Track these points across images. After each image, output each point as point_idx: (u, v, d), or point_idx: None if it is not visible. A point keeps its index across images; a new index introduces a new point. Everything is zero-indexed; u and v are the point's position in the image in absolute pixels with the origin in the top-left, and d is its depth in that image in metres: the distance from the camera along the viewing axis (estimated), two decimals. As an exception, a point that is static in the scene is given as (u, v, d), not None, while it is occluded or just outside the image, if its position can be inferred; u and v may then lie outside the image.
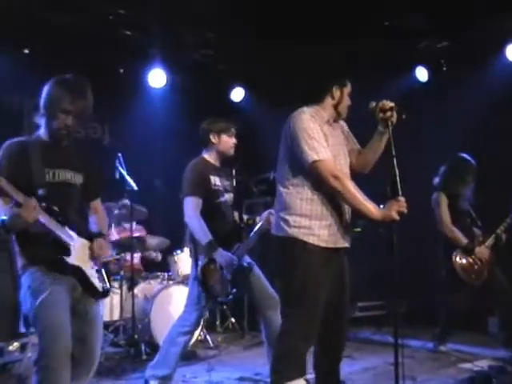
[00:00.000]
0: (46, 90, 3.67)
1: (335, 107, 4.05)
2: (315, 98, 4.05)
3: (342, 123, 4.25)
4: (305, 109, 3.98)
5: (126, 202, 6.72)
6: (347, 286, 4.13)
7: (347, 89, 4.07)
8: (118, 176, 6.45)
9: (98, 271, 3.82)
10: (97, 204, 4.07)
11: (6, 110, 7.50)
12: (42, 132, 3.76)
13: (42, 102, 3.68)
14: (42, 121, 3.73)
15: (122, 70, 8.26)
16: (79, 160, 3.85)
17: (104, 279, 3.85)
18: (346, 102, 4.07)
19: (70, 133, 3.69)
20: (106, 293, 3.86)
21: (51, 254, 3.58)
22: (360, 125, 4.18)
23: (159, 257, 7.50)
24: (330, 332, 4.04)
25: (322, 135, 3.88)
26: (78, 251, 3.69)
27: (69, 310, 3.55)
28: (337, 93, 4.04)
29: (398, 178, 3.71)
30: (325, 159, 3.81)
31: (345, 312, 4.15)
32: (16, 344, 5.82)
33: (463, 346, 6.51)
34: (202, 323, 5.49)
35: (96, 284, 3.76)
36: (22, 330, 5.53)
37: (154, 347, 6.32)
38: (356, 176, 4.18)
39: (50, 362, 3.37)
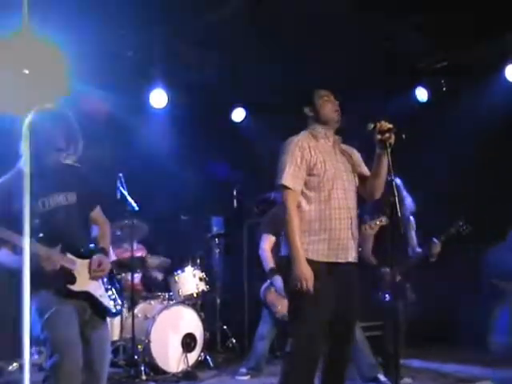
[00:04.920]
0: (36, 123, 3.63)
1: (318, 120, 4.15)
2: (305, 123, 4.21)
3: (351, 148, 4.31)
4: (292, 138, 4.12)
5: (127, 222, 6.72)
6: (354, 301, 4.11)
7: (320, 99, 4.16)
8: (119, 196, 6.46)
9: (108, 289, 3.82)
10: (96, 214, 4.02)
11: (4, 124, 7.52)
12: (23, 163, 3.68)
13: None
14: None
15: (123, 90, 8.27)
16: (68, 178, 3.82)
17: (115, 297, 3.85)
18: (325, 109, 4.14)
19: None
20: (117, 312, 3.89)
21: (57, 283, 3.59)
22: (359, 146, 4.23)
23: (159, 276, 7.48)
24: (334, 347, 4.04)
25: (304, 164, 3.99)
26: (82, 275, 3.69)
27: (78, 327, 3.55)
28: (310, 112, 4.18)
29: (396, 200, 3.73)
30: (294, 190, 3.97)
31: (350, 327, 4.14)
32: (16, 364, 5.82)
33: (463, 366, 6.48)
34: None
35: (106, 304, 3.76)
36: (35, 357, 5.54)
37: (153, 368, 6.30)
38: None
39: (59, 382, 3.37)
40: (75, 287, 3.62)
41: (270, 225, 6.26)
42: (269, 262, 6.18)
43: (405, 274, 5.97)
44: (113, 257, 6.87)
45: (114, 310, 3.80)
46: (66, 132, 3.65)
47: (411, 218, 6.41)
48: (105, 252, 3.88)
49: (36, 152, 3.60)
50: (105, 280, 3.84)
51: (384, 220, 5.09)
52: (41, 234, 3.55)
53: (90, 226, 4.07)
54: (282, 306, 5.93)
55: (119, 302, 3.89)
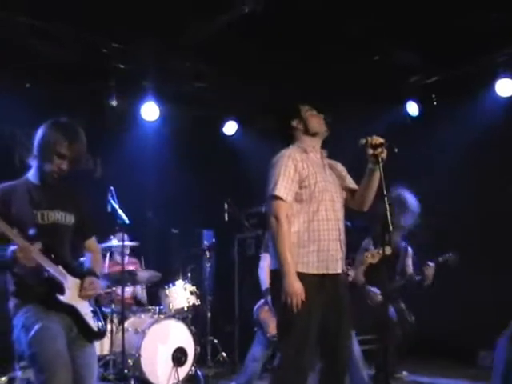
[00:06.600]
0: (40, 132, 3.70)
1: (307, 133, 4.19)
2: (289, 138, 4.23)
3: (335, 162, 4.33)
4: (283, 151, 4.13)
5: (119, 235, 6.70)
6: (344, 313, 4.08)
7: (305, 112, 4.22)
8: (109, 209, 6.43)
9: (94, 312, 3.82)
10: (91, 243, 4.09)
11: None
12: (31, 174, 3.80)
13: (36, 144, 3.70)
14: (33, 162, 3.75)
15: (114, 103, 8.30)
16: (70, 200, 3.87)
17: (100, 319, 3.84)
18: (312, 121, 4.21)
19: (62, 176, 3.72)
20: (101, 333, 3.85)
21: (45, 293, 3.59)
22: (350, 160, 4.24)
23: (145, 298, 7.46)
24: (327, 361, 4.03)
25: (297, 176, 4.01)
26: (71, 290, 3.69)
27: (65, 343, 3.53)
28: (298, 125, 4.22)
29: (388, 215, 3.73)
30: (285, 201, 3.97)
31: (342, 339, 4.09)
32: (4, 379, 5.76)
33: (452, 380, 6.47)
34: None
35: (91, 324, 3.74)
36: (18, 373, 5.50)
37: (143, 382, 6.26)
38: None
39: None
40: (64, 298, 3.62)
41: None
42: (267, 281, 6.05)
43: (389, 294, 6.03)
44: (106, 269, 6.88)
45: (95, 329, 3.77)
46: (70, 140, 3.64)
47: (409, 248, 6.49)
48: (96, 276, 3.91)
49: (39, 159, 3.69)
50: (92, 302, 3.86)
51: (387, 250, 5.11)
52: (36, 243, 3.53)
53: (81, 252, 4.13)
54: (273, 326, 5.86)
55: (103, 323, 3.88)
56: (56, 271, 3.61)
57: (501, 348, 5.05)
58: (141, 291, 7.56)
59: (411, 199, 6.37)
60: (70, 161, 3.66)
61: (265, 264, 6.09)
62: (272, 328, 5.86)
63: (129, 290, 7.20)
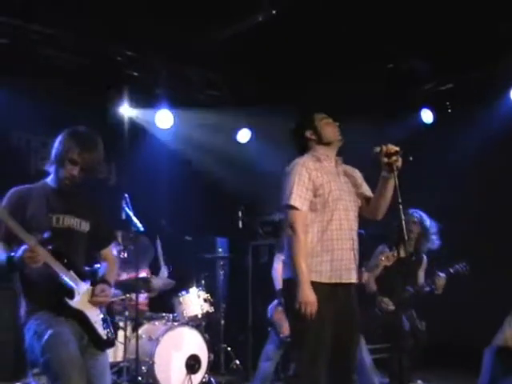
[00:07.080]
0: (58, 140, 3.78)
1: (321, 142, 4.18)
2: (303, 148, 4.24)
3: (352, 168, 4.32)
4: (297, 160, 4.13)
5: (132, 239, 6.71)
6: (355, 323, 4.08)
7: (320, 121, 4.21)
8: (124, 217, 6.44)
9: (104, 319, 3.82)
10: (107, 251, 4.12)
11: (15, 147, 7.55)
12: (49, 179, 3.85)
13: (53, 151, 3.78)
14: (51, 168, 3.82)
15: (128, 110, 8.35)
16: (87, 208, 3.91)
17: (109, 327, 3.84)
18: (326, 130, 4.19)
19: (75, 183, 3.76)
20: (110, 341, 3.84)
21: (55, 297, 3.60)
22: (364, 168, 4.23)
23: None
24: (337, 369, 4.01)
25: (311, 185, 4.01)
26: (82, 296, 3.70)
27: (78, 348, 3.53)
28: (312, 135, 4.20)
29: (403, 224, 3.72)
30: (301, 210, 3.97)
31: (352, 349, 4.10)
32: (18, 385, 5.79)
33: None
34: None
35: (99, 331, 3.74)
36: (31, 380, 5.51)
37: (157, 389, 6.26)
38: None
39: None
40: (73, 303, 3.63)
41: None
42: (280, 281, 6.08)
43: (401, 303, 6.01)
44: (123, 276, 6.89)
45: (104, 337, 3.76)
46: (82, 147, 3.69)
47: (424, 257, 6.47)
48: (109, 284, 3.91)
49: (55, 165, 3.76)
50: (103, 310, 3.86)
51: (402, 253, 5.11)
52: (50, 247, 3.56)
53: (95, 260, 4.16)
54: (286, 326, 5.84)
55: (111, 331, 3.87)
56: (67, 276, 3.62)
57: (488, 360, 5.03)
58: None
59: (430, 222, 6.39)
60: (81, 168, 3.71)
61: (278, 264, 6.11)
62: (285, 329, 5.84)
63: (143, 296, 7.20)
